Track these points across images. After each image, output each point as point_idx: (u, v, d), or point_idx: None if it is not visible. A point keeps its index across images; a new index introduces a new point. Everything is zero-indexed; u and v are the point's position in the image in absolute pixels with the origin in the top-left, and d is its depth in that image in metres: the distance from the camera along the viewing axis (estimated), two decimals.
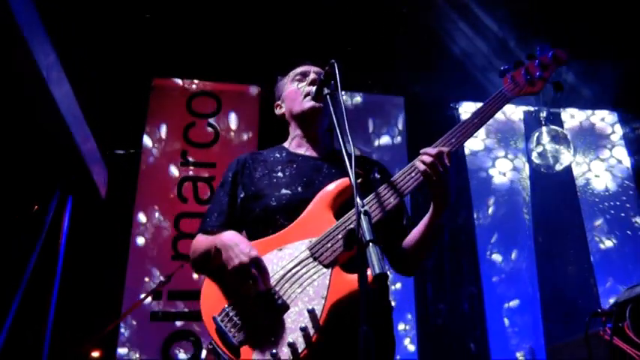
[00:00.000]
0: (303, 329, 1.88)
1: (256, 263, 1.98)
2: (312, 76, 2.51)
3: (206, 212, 2.41)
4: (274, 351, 1.87)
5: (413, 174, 2.14)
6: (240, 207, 2.37)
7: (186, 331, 5.84)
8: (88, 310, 5.35)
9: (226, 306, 2.02)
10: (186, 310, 5.90)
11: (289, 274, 2.02)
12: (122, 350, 5.68)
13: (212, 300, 2.07)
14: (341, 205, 2.18)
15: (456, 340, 6.41)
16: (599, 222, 7.29)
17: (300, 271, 2.01)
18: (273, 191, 2.29)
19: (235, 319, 1.98)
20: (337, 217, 2.12)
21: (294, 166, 2.41)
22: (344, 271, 1.98)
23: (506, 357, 6.40)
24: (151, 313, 5.85)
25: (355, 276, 1.90)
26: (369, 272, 1.53)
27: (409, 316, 6.40)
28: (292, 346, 1.86)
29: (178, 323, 5.87)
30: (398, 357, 6.18)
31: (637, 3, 6.08)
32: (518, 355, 6.43)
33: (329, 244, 2.03)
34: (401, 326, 6.35)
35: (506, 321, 6.61)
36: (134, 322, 5.81)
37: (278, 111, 2.66)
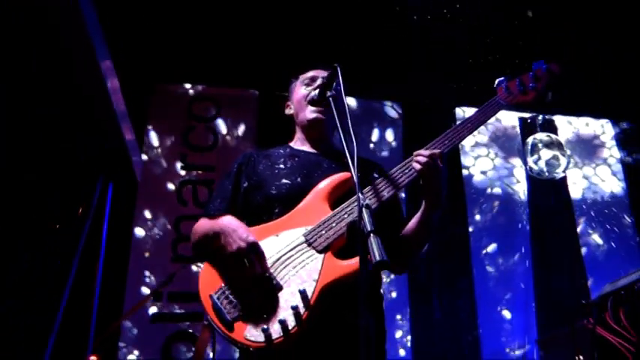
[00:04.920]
0: (294, 308, 1.97)
1: (253, 248, 2.07)
2: (319, 81, 2.58)
3: (209, 198, 2.51)
4: (265, 327, 1.95)
5: (407, 171, 2.29)
6: (242, 197, 2.45)
7: (186, 333, 5.90)
8: (88, 312, 5.39)
9: (223, 285, 2.11)
10: (185, 312, 5.97)
11: (284, 258, 2.12)
12: (123, 352, 5.74)
13: (210, 280, 2.16)
14: (337, 198, 2.30)
15: (451, 343, 6.47)
16: (593, 232, 7.41)
17: (294, 255, 2.12)
18: (273, 180, 2.40)
19: (231, 297, 2.07)
20: (333, 209, 2.24)
21: (296, 159, 2.53)
22: (336, 258, 2.09)
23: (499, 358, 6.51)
24: (151, 314, 5.92)
25: (346, 262, 2.06)
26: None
27: (403, 322, 6.50)
28: (283, 323, 1.95)
29: (178, 325, 5.93)
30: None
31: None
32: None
33: (323, 232, 2.14)
34: (398, 334, 6.45)
35: (503, 318, 6.73)
36: (134, 324, 5.88)
37: (287, 111, 2.76)
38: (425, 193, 2.31)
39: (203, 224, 2.37)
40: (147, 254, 6.19)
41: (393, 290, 6.62)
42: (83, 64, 1.45)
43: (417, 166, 2.24)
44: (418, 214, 2.38)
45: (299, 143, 2.66)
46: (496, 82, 2.57)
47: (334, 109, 2.20)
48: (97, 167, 1.68)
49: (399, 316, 6.50)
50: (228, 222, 2.19)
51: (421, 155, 2.25)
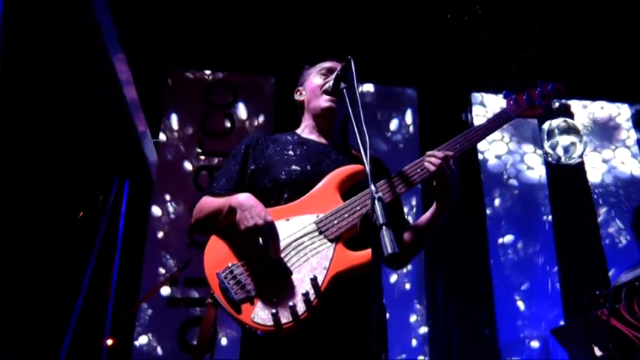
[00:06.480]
0: (305, 294, 1.97)
1: (270, 227, 2.06)
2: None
3: (214, 178, 2.49)
4: (274, 311, 1.94)
5: (419, 170, 2.31)
6: (248, 179, 2.44)
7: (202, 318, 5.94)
8: (106, 296, 5.48)
9: (230, 264, 2.10)
10: (201, 296, 6.02)
11: (295, 243, 2.12)
12: (139, 335, 5.82)
13: (216, 257, 2.14)
14: (348, 188, 2.31)
15: (467, 333, 6.46)
16: (613, 217, 7.34)
17: (305, 242, 2.12)
18: (283, 166, 2.40)
19: (239, 277, 2.05)
20: (344, 199, 2.25)
21: (305, 147, 2.53)
22: (346, 248, 2.11)
23: (518, 347, 6.49)
24: (167, 299, 5.98)
25: (357, 253, 2.08)
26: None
27: (418, 318, 6.50)
28: (293, 308, 1.95)
29: (194, 309, 5.99)
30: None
31: None
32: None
33: (335, 221, 2.16)
34: (412, 318, 6.46)
35: (520, 307, 6.70)
36: (151, 308, 5.95)
37: (297, 96, 2.77)
38: (437, 193, 2.36)
39: (211, 201, 2.33)
40: (163, 240, 6.24)
41: (407, 282, 6.62)
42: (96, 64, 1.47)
43: (432, 168, 2.28)
44: (428, 214, 2.42)
45: (307, 131, 2.67)
46: (503, 93, 2.68)
47: (347, 101, 2.20)
48: (112, 169, 1.71)
49: (414, 314, 6.51)
50: (247, 198, 2.16)
51: (434, 157, 2.29)
